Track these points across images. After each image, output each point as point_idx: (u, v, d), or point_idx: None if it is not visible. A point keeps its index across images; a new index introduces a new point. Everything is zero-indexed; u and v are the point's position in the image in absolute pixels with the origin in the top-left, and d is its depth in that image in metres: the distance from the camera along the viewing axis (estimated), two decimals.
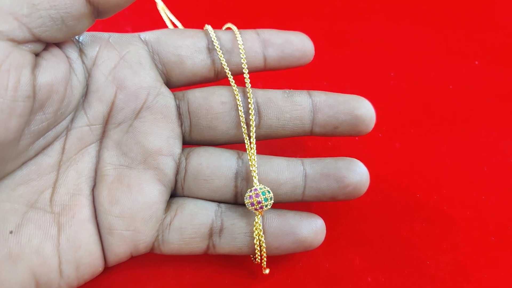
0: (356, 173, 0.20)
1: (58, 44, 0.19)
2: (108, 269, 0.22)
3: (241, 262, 0.22)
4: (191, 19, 0.31)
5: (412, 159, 0.27)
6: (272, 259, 0.22)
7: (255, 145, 0.21)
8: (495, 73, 0.30)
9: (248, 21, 0.24)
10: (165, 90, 0.21)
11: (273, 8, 0.34)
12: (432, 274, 0.22)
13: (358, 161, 0.21)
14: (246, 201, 0.20)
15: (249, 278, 0.22)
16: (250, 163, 0.20)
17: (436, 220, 0.24)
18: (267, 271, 0.21)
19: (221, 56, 0.22)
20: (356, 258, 0.23)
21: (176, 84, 0.22)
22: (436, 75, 0.30)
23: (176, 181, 0.21)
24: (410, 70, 0.30)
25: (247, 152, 0.21)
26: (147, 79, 0.20)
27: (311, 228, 0.20)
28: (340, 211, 0.24)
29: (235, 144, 0.22)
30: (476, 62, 0.31)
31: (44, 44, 0.18)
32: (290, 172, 0.21)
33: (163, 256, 0.22)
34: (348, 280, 0.22)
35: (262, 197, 0.19)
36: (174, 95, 0.22)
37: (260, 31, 0.23)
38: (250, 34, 0.22)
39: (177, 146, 0.21)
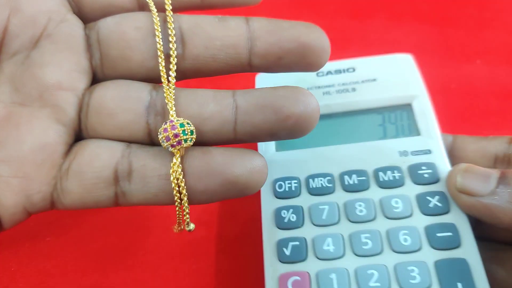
0: (299, 102, 0.16)
1: None
2: (105, 271, 0.22)
3: (241, 263, 0.23)
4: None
5: None
6: None
7: (174, 79, 0.17)
8: (497, 73, 0.30)
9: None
10: (72, 18, 0.18)
11: (272, 7, 0.34)
12: None
13: (304, 88, 0.17)
14: (160, 136, 0.16)
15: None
16: (165, 94, 0.17)
17: None
18: (192, 226, 0.17)
19: None
20: None
21: (90, 16, 0.19)
22: (437, 75, 0.30)
23: (80, 120, 0.18)
24: None
25: (163, 83, 0.17)
26: (48, 2, 0.18)
27: (245, 166, 0.16)
28: None
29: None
30: (478, 62, 0.31)
31: None
32: (217, 104, 0.17)
33: (162, 255, 0.22)
34: None
35: (180, 129, 0.16)
36: (86, 25, 0.19)
37: None
38: None
39: (81, 81, 0.18)
